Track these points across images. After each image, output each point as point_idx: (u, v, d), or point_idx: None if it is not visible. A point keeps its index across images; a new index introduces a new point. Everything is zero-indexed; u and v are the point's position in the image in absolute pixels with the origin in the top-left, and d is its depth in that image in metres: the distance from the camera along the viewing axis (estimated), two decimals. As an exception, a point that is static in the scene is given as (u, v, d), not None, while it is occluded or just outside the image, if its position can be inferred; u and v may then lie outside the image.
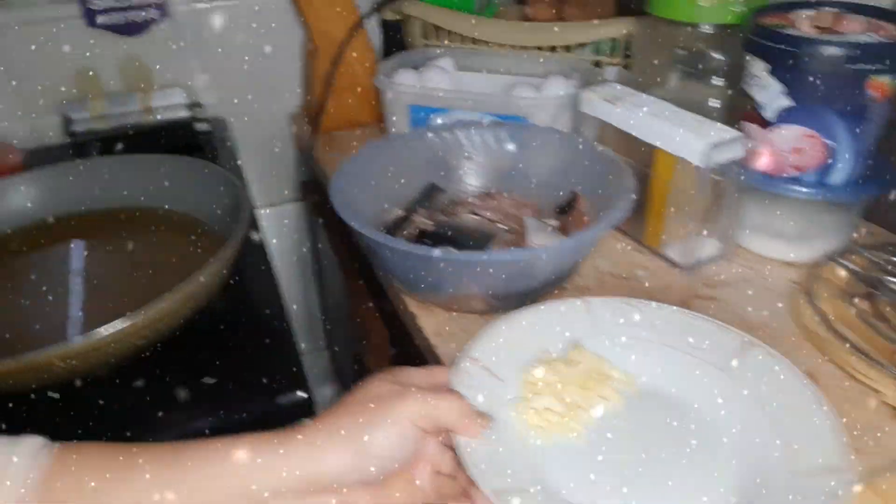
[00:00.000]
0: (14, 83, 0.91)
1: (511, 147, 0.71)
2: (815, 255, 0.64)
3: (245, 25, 0.98)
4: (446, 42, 0.96)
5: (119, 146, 0.89)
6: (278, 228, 1.14)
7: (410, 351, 0.64)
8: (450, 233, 0.63)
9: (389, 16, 1.01)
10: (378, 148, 0.68)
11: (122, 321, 0.46)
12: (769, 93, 0.60)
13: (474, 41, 0.93)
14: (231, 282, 0.60)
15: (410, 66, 0.89)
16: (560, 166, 0.68)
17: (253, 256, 0.70)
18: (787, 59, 0.57)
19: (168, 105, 0.95)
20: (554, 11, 0.91)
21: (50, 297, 0.60)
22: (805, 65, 0.57)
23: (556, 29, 0.87)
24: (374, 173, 0.66)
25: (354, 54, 0.95)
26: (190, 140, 0.95)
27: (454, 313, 0.60)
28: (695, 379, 0.49)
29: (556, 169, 0.69)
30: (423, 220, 0.66)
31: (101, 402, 0.53)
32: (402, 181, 0.68)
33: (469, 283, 0.56)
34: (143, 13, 0.91)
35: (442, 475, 0.43)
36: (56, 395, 0.50)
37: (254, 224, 0.77)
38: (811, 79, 0.57)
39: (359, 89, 0.96)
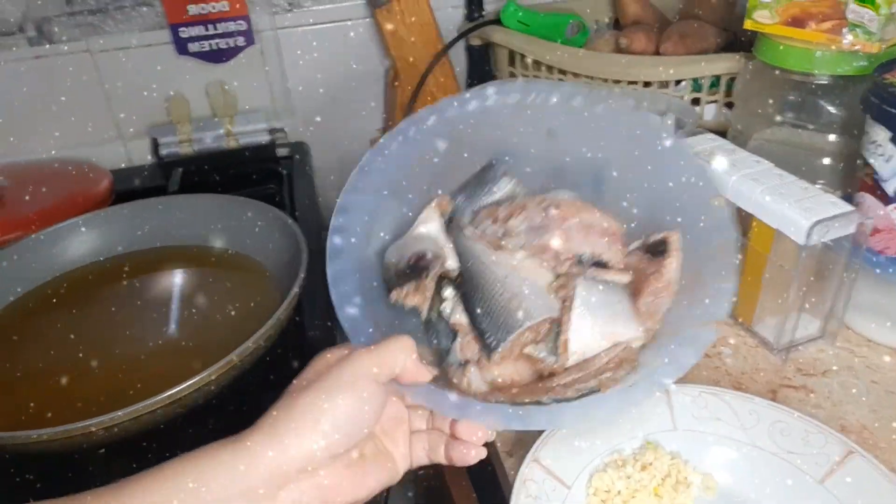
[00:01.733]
0: (110, 107, 0.94)
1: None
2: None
3: (328, 51, 0.97)
4: (533, 71, 0.91)
5: (199, 171, 0.91)
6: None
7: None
8: (471, 296, 0.45)
9: (475, 41, 0.97)
10: (407, 127, 0.50)
11: (161, 398, 0.46)
12: (892, 165, 0.52)
13: (562, 71, 0.88)
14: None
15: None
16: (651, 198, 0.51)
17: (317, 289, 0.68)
18: (916, 127, 0.50)
19: (250, 130, 0.96)
20: (652, 44, 0.85)
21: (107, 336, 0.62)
22: (938, 136, 0.49)
23: (655, 64, 0.80)
24: (407, 157, 0.50)
25: (437, 81, 0.93)
26: (271, 165, 0.95)
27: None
28: (786, 489, 0.44)
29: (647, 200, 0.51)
30: (451, 258, 0.48)
31: (148, 454, 0.53)
32: (452, 159, 0.51)
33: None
34: (230, 41, 0.92)
35: (420, 432, 0.42)
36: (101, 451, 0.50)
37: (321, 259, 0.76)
38: (945, 152, 0.49)
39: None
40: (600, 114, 0.50)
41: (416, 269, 0.46)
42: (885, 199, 0.53)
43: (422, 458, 0.42)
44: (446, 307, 0.46)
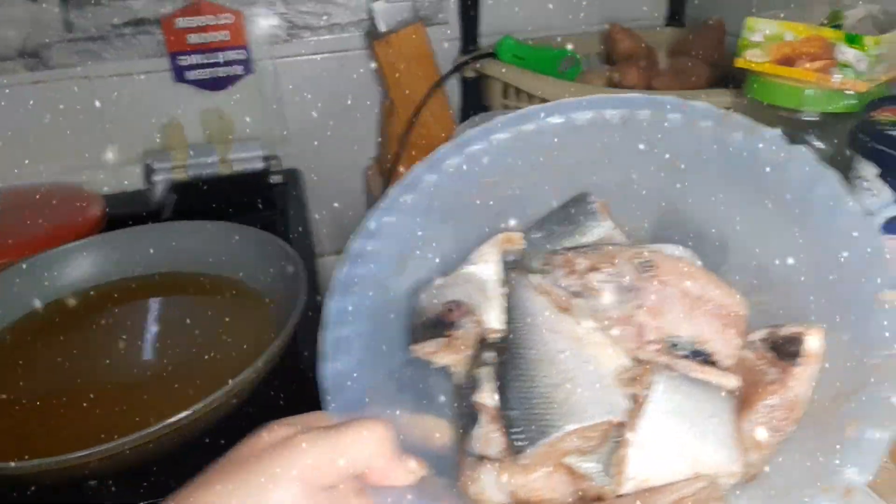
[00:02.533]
0: (105, 133, 0.94)
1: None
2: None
3: (325, 80, 0.98)
4: (526, 103, 0.92)
5: (193, 197, 0.91)
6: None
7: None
8: (511, 376, 0.34)
9: (469, 74, 0.98)
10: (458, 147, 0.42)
11: (158, 427, 0.46)
12: (878, 200, 0.53)
13: (555, 105, 0.89)
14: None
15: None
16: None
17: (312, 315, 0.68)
18: (903, 164, 0.51)
19: (245, 157, 0.96)
20: (644, 78, 0.87)
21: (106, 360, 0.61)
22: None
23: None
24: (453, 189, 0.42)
25: (432, 113, 0.94)
26: (264, 192, 0.96)
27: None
28: None
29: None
30: (495, 319, 0.37)
31: (143, 483, 0.52)
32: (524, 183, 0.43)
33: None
34: (229, 69, 0.93)
35: None
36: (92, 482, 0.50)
37: (315, 287, 0.76)
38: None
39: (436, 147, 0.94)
40: (738, 146, 0.38)
41: (440, 323, 0.36)
42: (875, 234, 0.54)
43: None
44: (481, 376, 0.35)
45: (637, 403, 0.32)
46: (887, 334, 0.30)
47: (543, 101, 0.89)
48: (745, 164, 0.38)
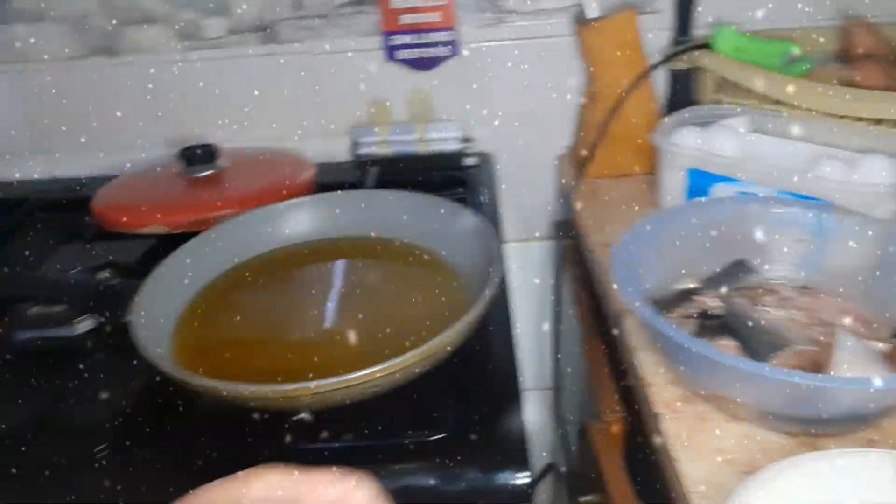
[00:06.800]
0: (319, 106, 1.01)
1: (839, 237, 0.61)
2: None
3: (527, 65, 0.98)
4: (743, 100, 0.86)
5: (392, 172, 0.95)
6: (522, 265, 1.13)
7: (649, 447, 0.58)
8: (737, 324, 0.56)
9: (680, 65, 0.94)
10: (671, 214, 0.65)
11: (372, 370, 0.48)
12: None
13: (776, 101, 0.82)
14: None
15: (696, 123, 0.81)
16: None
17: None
18: None
19: (442, 137, 0.99)
20: (887, 79, 0.77)
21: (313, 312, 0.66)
22: None
23: (889, 100, 0.73)
24: (665, 239, 0.63)
25: (636, 103, 0.90)
26: (457, 172, 0.98)
27: (716, 430, 0.53)
28: None
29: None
30: (712, 301, 0.60)
31: (335, 429, 0.55)
32: (700, 251, 0.64)
33: (736, 389, 0.49)
34: (436, 50, 0.96)
35: None
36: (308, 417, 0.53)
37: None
38: None
39: (638, 141, 0.91)
40: None
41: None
42: None
43: None
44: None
45: (830, 345, 0.50)
46: None
47: (764, 98, 0.83)
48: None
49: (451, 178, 0.96)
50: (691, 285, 0.63)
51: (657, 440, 0.56)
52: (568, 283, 1.00)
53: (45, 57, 0.98)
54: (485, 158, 1.01)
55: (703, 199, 0.76)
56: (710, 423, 0.54)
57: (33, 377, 0.64)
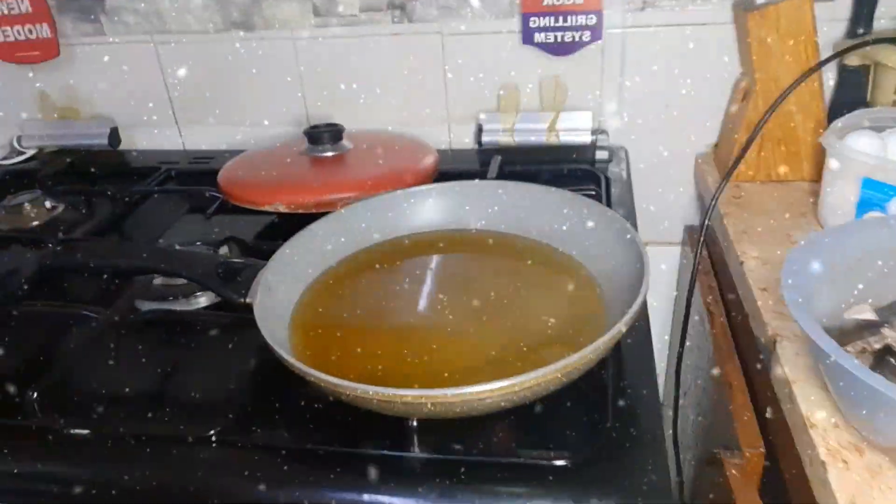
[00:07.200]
0: (445, 89, 0.97)
1: None
2: None
3: (672, 55, 0.90)
4: (929, 102, 0.75)
5: (517, 162, 0.90)
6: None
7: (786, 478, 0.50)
8: None
9: (852, 61, 0.83)
10: (848, 230, 0.57)
11: (502, 384, 0.43)
12: None
13: (975, 107, 0.70)
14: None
15: (871, 128, 0.71)
16: None
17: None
18: None
19: (573, 128, 0.93)
20: None
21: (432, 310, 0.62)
22: None
23: None
24: (839, 259, 0.55)
25: (799, 101, 0.81)
26: (587, 166, 0.91)
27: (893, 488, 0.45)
28: None
29: None
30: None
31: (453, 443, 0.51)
32: (879, 276, 0.56)
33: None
34: (576, 34, 0.89)
35: None
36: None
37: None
38: None
39: (799, 143, 0.82)
40: None
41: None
42: None
43: None
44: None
45: None
46: None
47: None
48: None
49: (580, 171, 0.90)
50: (868, 315, 0.55)
51: (819, 489, 0.49)
52: (698, 295, 0.92)
53: (191, 28, 0.99)
54: (617, 153, 0.94)
55: (882, 214, 0.66)
56: (885, 479, 0.46)
57: (153, 348, 0.64)
